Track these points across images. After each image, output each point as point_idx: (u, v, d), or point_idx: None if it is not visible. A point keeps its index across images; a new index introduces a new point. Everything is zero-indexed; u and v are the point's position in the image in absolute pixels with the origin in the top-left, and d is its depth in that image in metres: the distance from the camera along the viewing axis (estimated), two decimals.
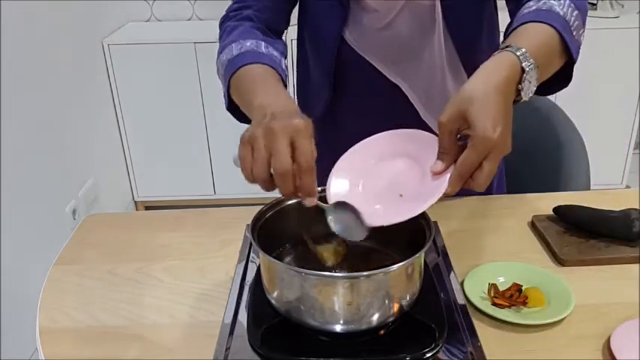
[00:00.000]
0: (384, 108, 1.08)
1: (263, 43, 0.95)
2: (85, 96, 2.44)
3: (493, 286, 0.84)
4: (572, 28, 0.84)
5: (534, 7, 0.85)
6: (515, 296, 0.83)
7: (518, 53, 0.75)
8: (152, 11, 2.95)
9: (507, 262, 0.91)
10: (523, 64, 0.74)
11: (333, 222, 0.76)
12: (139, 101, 2.70)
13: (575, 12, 0.85)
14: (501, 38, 1.09)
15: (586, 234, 0.97)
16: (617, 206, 0.99)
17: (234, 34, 0.97)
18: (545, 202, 1.06)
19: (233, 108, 0.94)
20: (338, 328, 0.73)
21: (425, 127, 1.03)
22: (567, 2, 0.85)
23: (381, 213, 0.77)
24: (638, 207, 0.99)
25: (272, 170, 0.70)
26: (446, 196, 0.72)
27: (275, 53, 0.95)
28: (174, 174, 2.87)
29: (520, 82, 0.75)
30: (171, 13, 2.95)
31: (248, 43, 0.93)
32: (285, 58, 0.99)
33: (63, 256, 1.00)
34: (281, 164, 0.68)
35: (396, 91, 1.06)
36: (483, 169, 0.69)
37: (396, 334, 0.76)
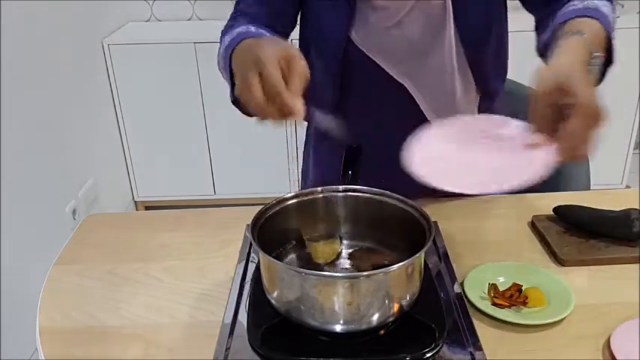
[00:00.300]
0: (388, 108, 1.07)
1: (252, 26, 0.95)
2: (85, 96, 2.44)
3: (493, 286, 0.84)
4: (613, 30, 0.87)
5: (581, 6, 0.87)
6: (515, 296, 0.83)
7: (586, 37, 0.78)
8: (152, 11, 2.95)
9: (507, 262, 0.91)
10: (593, 51, 0.78)
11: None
12: (139, 101, 2.70)
13: (613, 15, 0.88)
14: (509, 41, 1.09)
15: (586, 234, 0.97)
16: (617, 206, 0.99)
17: (229, 31, 0.98)
18: (545, 202, 1.06)
19: (238, 101, 0.94)
20: (338, 328, 0.73)
21: None
22: (608, 4, 0.88)
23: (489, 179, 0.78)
24: (638, 207, 0.99)
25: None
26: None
27: (263, 31, 0.94)
28: (174, 174, 2.86)
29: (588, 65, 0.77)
30: (172, 13, 2.95)
31: (237, 30, 0.94)
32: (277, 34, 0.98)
33: (63, 256, 1.00)
34: (254, 98, 0.73)
35: (401, 91, 1.05)
36: (586, 138, 0.70)
37: (396, 334, 0.76)
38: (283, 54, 0.74)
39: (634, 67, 2.58)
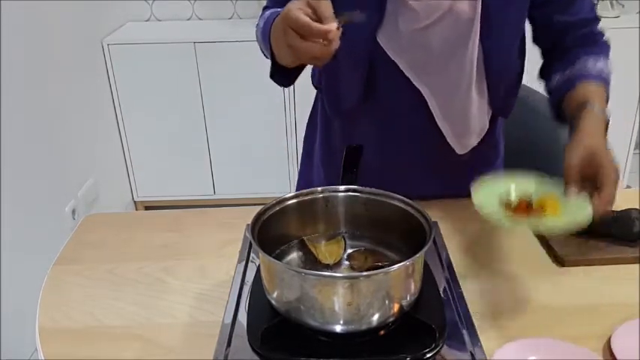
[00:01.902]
0: (405, 112, 1.07)
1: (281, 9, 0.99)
2: (84, 96, 2.44)
3: (506, 203, 0.83)
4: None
5: (594, 72, 1.02)
6: (529, 208, 0.83)
7: (598, 107, 0.93)
8: (152, 11, 2.95)
9: (513, 177, 0.91)
10: (608, 120, 0.93)
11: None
12: (138, 101, 2.70)
13: (610, 75, 1.04)
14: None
15: (586, 234, 0.97)
16: (617, 206, 0.99)
17: (261, 18, 1.05)
18: None
19: (276, 72, 0.99)
20: (338, 328, 0.73)
21: (439, 133, 1.06)
22: (608, 62, 1.04)
23: None
24: (638, 207, 0.99)
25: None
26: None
27: None
28: (174, 174, 2.86)
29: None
30: (171, 12, 2.95)
31: (268, 13, 1.01)
32: None
33: (63, 256, 1.00)
34: (305, 29, 0.78)
35: (416, 95, 1.05)
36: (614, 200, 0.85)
37: (396, 334, 0.76)
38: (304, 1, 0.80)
39: (634, 67, 2.58)
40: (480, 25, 0.98)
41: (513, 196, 0.86)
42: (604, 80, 1.01)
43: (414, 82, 1.03)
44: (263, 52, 1.06)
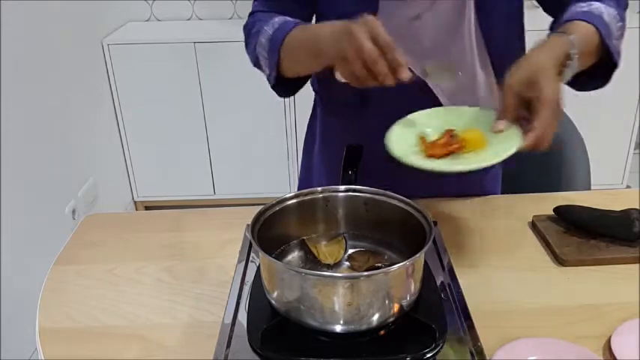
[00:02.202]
0: (409, 102, 1.07)
1: (288, 17, 1.01)
2: (84, 96, 2.44)
3: (422, 139, 0.81)
4: (614, 37, 0.93)
5: (586, 9, 0.93)
6: (449, 143, 0.79)
7: (571, 38, 0.85)
8: (152, 11, 2.95)
9: (436, 108, 0.89)
10: (571, 51, 0.84)
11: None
12: (138, 101, 2.70)
13: (619, 24, 0.95)
14: (526, 39, 1.10)
15: (586, 234, 0.97)
16: (617, 206, 0.99)
17: (259, 24, 1.02)
18: (546, 202, 1.06)
19: (277, 84, 1.00)
20: (338, 328, 0.73)
21: None
22: (614, 13, 0.94)
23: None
24: (638, 207, 0.99)
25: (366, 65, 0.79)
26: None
27: (298, 21, 1.00)
28: (174, 174, 2.86)
29: (564, 65, 0.84)
30: (171, 12, 2.95)
31: (276, 19, 1.00)
32: None
33: (63, 256, 1.00)
34: (370, 54, 0.78)
35: (421, 87, 1.04)
36: (552, 128, 0.79)
37: (396, 334, 0.76)
38: (366, 26, 0.80)
39: (634, 67, 2.58)
40: (475, 5, 0.98)
41: (431, 132, 0.82)
42: (592, 15, 0.92)
43: (415, 71, 1.03)
44: (256, 57, 1.04)
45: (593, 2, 0.94)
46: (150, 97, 2.69)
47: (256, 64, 1.06)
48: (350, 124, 1.13)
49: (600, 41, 0.90)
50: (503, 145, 0.78)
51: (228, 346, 0.76)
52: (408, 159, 0.79)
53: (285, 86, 1.02)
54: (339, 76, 0.84)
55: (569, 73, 0.86)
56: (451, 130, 0.82)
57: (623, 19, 0.96)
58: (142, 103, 2.70)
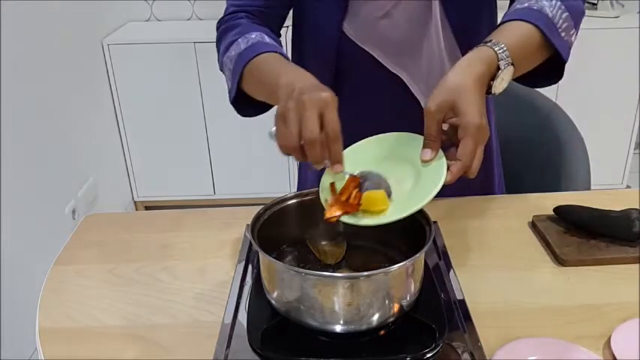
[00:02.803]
0: (384, 99, 1.07)
1: (265, 35, 0.99)
2: (84, 96, 2.44)
3: (331, 186, 0.79)
4: (561, 30, 0.88)
5: (526, 5, 0.89)
6: (352, 196, 0.77)
7: (496, 49, 0.80)
8: (152, 11, 2.95)
9: (370, 139, 0.85)
10: (500, 62, 0.80)
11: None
12: (138, 101, 2.70)
13: (565, 14, 0.89)
14: None
15: (586, 234, 0.97)
16: (617, 206, 0.99)
17: (236, 31, 1.00)
18: (546, 202, 1.06)
19: (238, 101, 0.99)
20: (338, 328, 0.73)
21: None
22: (558, 4, 0.88)
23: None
24: (638, 207, 0.99)
25: (302, 140, 0.75)
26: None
27: (275, 43, 0.99)
28: (173, 174, 2.86)
29: (493, 78, 0.81)
30: (171, 12, 2.95)
31: (253, 36, 0.97)
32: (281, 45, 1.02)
33: (62, 256, 1.00)
34: (310, 133, 0.73)
35: (396, 82, 1.05)
36: (477, 154, 0.76)
37: (396, 334, 0.76)
38: (321, 103, 0.75)
39: (634, 67, 2.58)
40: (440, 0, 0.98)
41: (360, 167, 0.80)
42: (532, 12, 0.87)
43: (391, 68, 1.03)
44: (222, 65, 1.03)
45: None
46: (150, 97, 2.69)
47: (221, 70, 1.05)
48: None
49: (543, 40, 0.86)
50: (431, 180, 0.76)
51: (228, 346, 0.76)
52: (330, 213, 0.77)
53: (246, 105, 1.00)
54: (272, 131, 0.79)
55: (502, 84, 0.82)
56: (356, 179, 0.79)
57: (571, 7, 0.90)
58: (142, 103, 2.70)
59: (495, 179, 1.23)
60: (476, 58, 0.80)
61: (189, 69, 2.62)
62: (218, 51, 1.06)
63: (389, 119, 1.05)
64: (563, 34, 0.88)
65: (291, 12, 1.12)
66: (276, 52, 0.95)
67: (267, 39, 0.98)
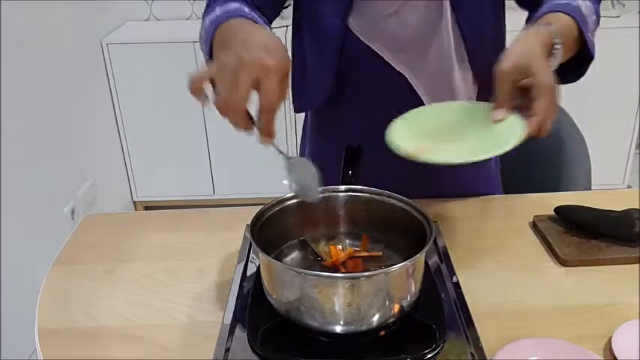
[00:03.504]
0: (387, 97, 1.06)
1: (247, 8, 0.92)
2: (83, 95, 2.44)
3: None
4: (590, 30, 0.93)
5: (565, 1, 0.92)
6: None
7: (551, 29, 0.84)
8: (151, 10, 2.95)
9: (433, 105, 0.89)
10: (555, 40, 0.84)
11: (290, 177, 0.78)
12: (138, 101, 2.70)
13: (594, 17, 0.95)
14: (507, 37, 1.09)
15: (587, 234, 0.97)
16: (618, 206, 0.99)
17: (218, 3, 0.94)
18: (547, 202, 1.06)
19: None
20: (338, 328, 0.72)
21: None
22: (591, 6, 0.94)
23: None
24: (639, 207, 0.99)
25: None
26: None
27: (257, 17, 0.91)
28: (173, 174, 2.86)
29: (550, 54, 0.84)
30: (171, 12, 2.95)
31: (232, 6, 0.91)
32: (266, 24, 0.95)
33: (62, 256, 1.00)
34: (232, 99, 0.69)
35: (400, 80, 1.04)
36: (551, 112, 0.79)
37: (396, 334, 0.76)
38: (260, 68, 0.70)
39: (634, 67, 2.58)
40: (451, 3, 0.98)
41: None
42: (573, 8, 0.92)
43: (396, 66, 1.02)
44: (200, 41, 0.96)
45: None
46: (149, 97, 2.69)
47: (201, 48, 0.97)
48: (332, 123, 1.13)
49: (579, 33, 0.90)
50: (507, 133, 0.78)
51: (228, 346, 0.76)
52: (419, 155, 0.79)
53: None
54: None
55: (554, 63, 0.85)
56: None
57: (598, 12, 0.96)
58: (142, 103, 2.70)
59: (495, 179, 1.23)
60: (537, 32, 0.83)
61: (188, 68, 2.60)
62: (201, 26, 0.97)
63: (391, 117, 1.05)
64: (590, 34, 0.93)
65: (291, 10, 1.11)
66: (250, 19, 0.87)
67: (246, 11, 0.91)
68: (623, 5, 2.75)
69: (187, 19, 2.97)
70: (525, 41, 0.82)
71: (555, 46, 0.84)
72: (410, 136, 0.86)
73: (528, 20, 1.03)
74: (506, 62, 0.79)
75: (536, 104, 0.78)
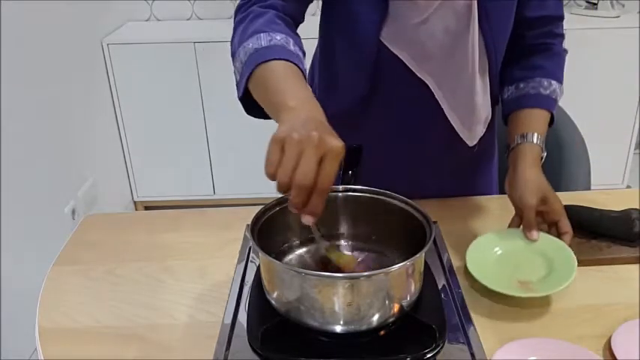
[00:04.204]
0: (409, 104, 1.07)
1: (292, 40, 0.91)
2: (84, 96, 2.44)
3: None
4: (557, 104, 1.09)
5: (542, 92, 1.07)
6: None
7: (540, 143, 1.02)
8: (152, 11, 2.95)
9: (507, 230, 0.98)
10: (543, 154, 1.02)
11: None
12: (138, 101, 2.70)
13: (561, 88, 1.09)
14: None
15: (587, 234, 0.97)
16: (617, 206, 0.99)
17: (261, 22, 0.92)
18: None
19: (246, 98, 0.90)
20: (338, 328, 0.72)
21: (448, 125, 1.06)
22: (561, 86, 1.08)
23: None
24: (638, 207, 0.99)
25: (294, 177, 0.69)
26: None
27: (300, 53, 0.91)
28: (173, 174, 2.86)
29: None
30: (171, 12, 2.95)
31: (278, 37, 0.89)
32: (305, 57, 0.94)
33: (62, 256, 1.00)
34: (304, 177, 0.68)
35: (422, 88, 1.04)
36: (569, 225, 0.96)
37: (396, 334, 0.76)
38: (328, 149, 0.69)
39: (634, 67, 2.58)
40: (478, 15, 0.98)
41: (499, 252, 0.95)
42: (553, 102, 1.07)
43: (419, 74, 1.02)
44: (234, 54, 0.96)
45: (551, 81, 1.07)
46: (150, 97, 2.69)
47: (232, 56, 0.97)
48: (350, 124, 1.13)
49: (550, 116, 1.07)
50: (563, 256, 0.90)
51: (229, 346, 0.76)
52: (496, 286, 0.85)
53: (254, 105, 0.89)
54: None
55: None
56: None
57: (562, 78, 1.11)
58: (142, 103, 2.70)
59: (495, 180, 1.23)
60: (535, 158, 1.01)
61: (189, 69, 2.62)
62: (232, 40, 0.98)
63: (411, 124, 1.08)
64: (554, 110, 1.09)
65: (318, 20, 1.08)
66: (296, 64, 0.87)
67: (291, 45, 0.89)
68: (623, 5, 2.75)
69: (188, 19, 2.96)
70: (534, 176, 0.98)
71: (542, 155, 1.02)
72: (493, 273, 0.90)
73: (501, 73, 1.10)
74: (530, 199, 0.95)
75: (561, 225, 0.95)
